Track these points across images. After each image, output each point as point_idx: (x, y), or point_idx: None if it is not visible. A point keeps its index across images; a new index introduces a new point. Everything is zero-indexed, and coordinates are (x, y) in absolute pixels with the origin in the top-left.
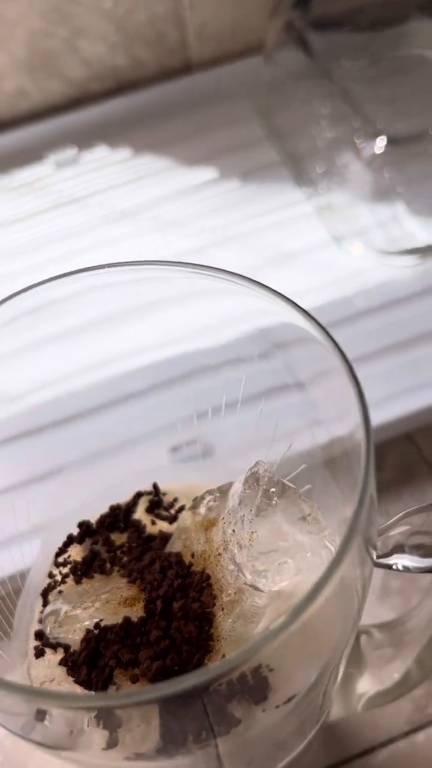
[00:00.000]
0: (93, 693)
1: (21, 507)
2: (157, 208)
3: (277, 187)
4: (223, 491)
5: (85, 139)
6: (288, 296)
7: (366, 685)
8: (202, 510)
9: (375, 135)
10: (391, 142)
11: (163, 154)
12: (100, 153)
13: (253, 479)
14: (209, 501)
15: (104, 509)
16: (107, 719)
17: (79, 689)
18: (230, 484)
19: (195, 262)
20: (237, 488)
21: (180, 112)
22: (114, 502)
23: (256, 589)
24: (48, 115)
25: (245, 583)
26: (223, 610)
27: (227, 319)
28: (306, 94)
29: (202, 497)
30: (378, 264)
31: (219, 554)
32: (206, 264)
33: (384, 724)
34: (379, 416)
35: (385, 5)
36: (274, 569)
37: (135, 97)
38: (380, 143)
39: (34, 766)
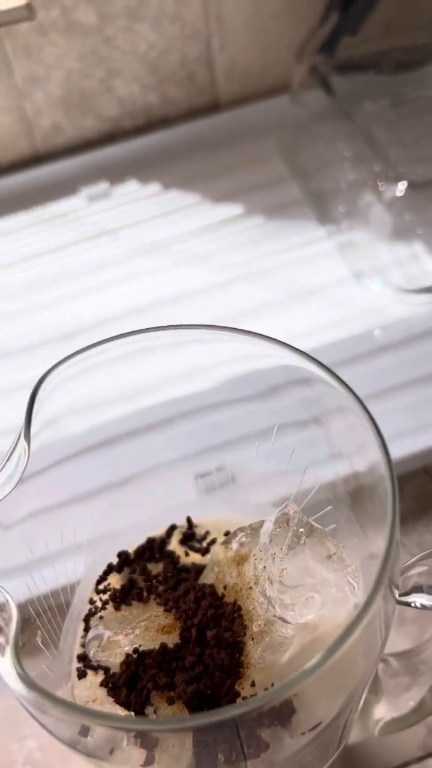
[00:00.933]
0: (134, 715)
1: (68, 526)
2: (185, 242)
3: (299, 225)
4: (254, 528)
5: (116, 173)
6: (305, 350)
7: (383, 711)
8: (234, 545)
9: (396, 179)
10: (412, 186)
11: (191, 190)
12: (131, 187)
13: (283, 519)
14: (241, 537)
15: (140, 539)
16: (145, 740)
17: (119, 709)
18: (261, 522)
19: (229, 326)
20: (268, 527)
21: (207, 150)
22: (149, 532)
23: (284, 621)
24: (82, 150)
25: (274, 615)
26: (253, 639)
27: (246, 360)
28: (330, 135)
29: (234, 533)
30: (397, 301)
31: (250, 588)
32: (238, 327)
33: (399, 749)
34: (397, 450)
35: (407, 50)
36: (302, 603)
37: (165, 134)
38: (401, 187)
39: None
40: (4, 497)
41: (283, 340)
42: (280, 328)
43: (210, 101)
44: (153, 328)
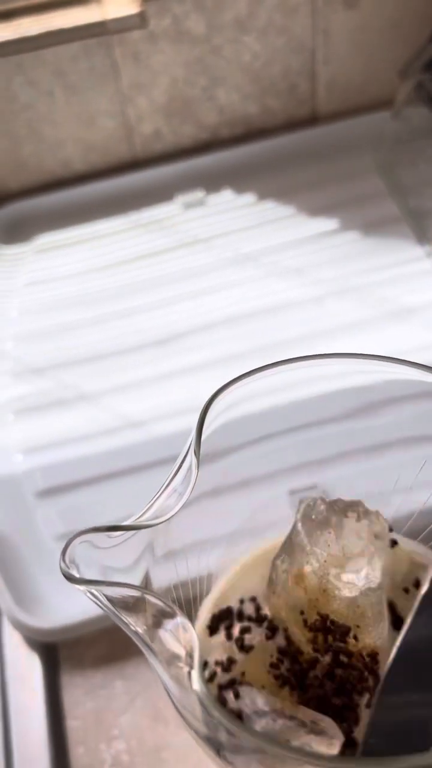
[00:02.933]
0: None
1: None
2: (278, 254)
3: (397, 243)
4: (286, 547)
5: (212, 182)
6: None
7: None
8: (283, 575)
9: None
10: None
11: (286, 202)
12: (226, 197)
13: (306, 515)
14: (284, 564)
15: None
16: None
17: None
18: (287, 540)
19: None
20: (299, 534)
21: (304, 162)
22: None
23: (369, 589)
24: (179, 157)
25: (360, 591)
26: (358, 627)
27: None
28: None
29: (274, 568)
30: None
31: (324, 590)
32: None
33: None
34: None
35: None
36: (369, 561)
37: (262, 144)
38: None
39: None
40: (175, 513)
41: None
42: (374, 346)
43: (309, 114)
44: (320, 355)
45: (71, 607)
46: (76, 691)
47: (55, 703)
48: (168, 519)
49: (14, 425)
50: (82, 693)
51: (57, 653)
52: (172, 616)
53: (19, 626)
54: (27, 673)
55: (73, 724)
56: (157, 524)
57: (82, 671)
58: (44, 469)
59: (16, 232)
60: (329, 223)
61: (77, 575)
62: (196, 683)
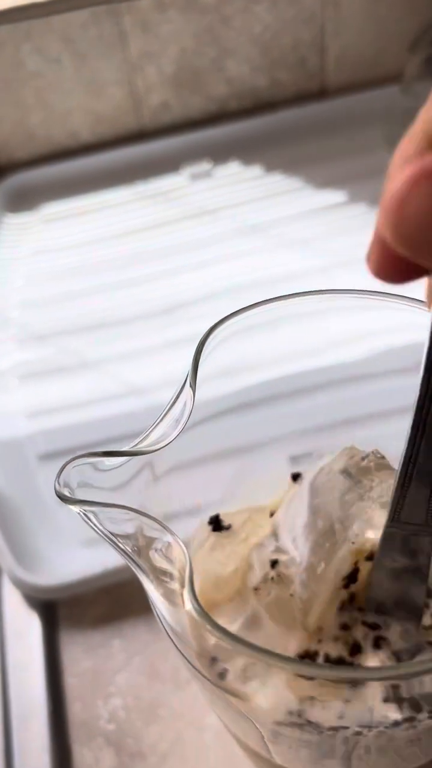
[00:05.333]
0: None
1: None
2: (285, 226)
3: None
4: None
5: (220, 154)
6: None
7: None
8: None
9: None
10: None
11: (294, 175)
12: (234, 169)
13: (353, 459)
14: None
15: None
16: None
17: None
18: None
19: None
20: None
21: (312, 135)
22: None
23: None
24: (187, 129)
25: None
26: None
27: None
28: None
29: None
30: None
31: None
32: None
33: None
34: None
35: None
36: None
37: (270, 117)
38: None
39: (148, 739)
40: (173, 440)
41: None
42: (380, 318)
43: (318, 87)
44: (328, 290)
45: (71, 566)
46: (74, 649)
47: (53, 660)
48: (164, 447)
49: (18, 390)
50: (81, 651)
51: (56, 612)
52: (162, 534)
53: (19, 584)
54: (26, 631)
55: (70, 681)
56: (153, 451)
57: (80, 630)
58: (47, 433)
59: (23, 201)
60: (337, 196)
61: (70, 496)
62: (188, 602)
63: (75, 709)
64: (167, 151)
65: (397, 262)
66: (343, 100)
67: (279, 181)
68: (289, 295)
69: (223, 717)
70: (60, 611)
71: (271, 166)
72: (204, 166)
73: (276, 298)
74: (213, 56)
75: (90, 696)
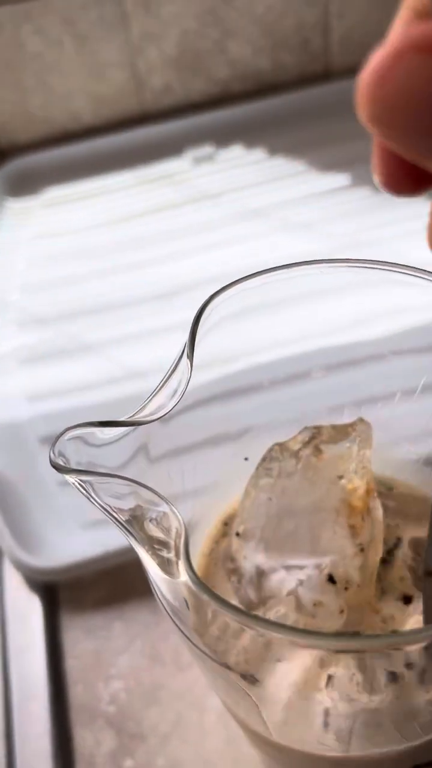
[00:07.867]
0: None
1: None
2: (288, 209)
3: (409, 199)
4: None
5: (222, 137)
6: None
7: None
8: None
9: None
10: None
11: (297, 158)
12: (236, 152)
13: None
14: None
15: None
16: None
17: None
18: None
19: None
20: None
21: (316, 118)
22: None
23: None
24: (189, 112)
25: None
26: None
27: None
28: None
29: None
30: None
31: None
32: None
33: None
34: None
35: None
36: None
37: (274, 100)
38: None
39: (149, 721)
40: (170, 410)
41: None
42: (385, 301)
43: (322, 69)
44: (326, 260)
45: (71, 548)
46: (75, 631)
47: (54, 642)
48: (160, 418)
49: (19, 373)
50: (82, 633)
51: (57, 595)
52: (158, 504)
53: (20, 566)
54: (27, 613)
55: (72, 663)
56: (149, 422)
57: (81, 613)
58: (47, 416)
59: (24, 185)
60: (341, 180)
61: (65, 465)
62: (183, 573)
63: (76, 692)
64: (169, 134)
65: (403, 168)
66: (348, 82)
67: (282, 164)
68: (289, 264)
69: (224, 696)
70: (61, 593)
71: (274, 150)
72: (207, 149)
73: (276, 267)
74: (215, 38)
75: (91, 678)
